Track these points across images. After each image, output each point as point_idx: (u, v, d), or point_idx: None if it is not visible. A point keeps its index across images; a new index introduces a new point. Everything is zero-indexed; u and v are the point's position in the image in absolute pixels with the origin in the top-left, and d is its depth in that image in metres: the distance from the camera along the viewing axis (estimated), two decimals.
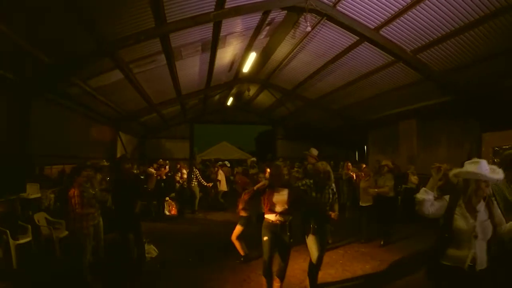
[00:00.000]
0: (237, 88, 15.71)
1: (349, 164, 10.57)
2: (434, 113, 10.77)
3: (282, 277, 4.43)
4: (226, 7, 6.93)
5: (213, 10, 6.90)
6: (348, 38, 8.50)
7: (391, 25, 7.29)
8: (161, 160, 11.97)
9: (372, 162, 12.28)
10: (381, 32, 7.64)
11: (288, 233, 4.29)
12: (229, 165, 13.17)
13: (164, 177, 10.40)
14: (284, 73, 12.47)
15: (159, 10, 6.19)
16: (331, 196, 4.57)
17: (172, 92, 12.10)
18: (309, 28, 7.34)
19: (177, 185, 9.97)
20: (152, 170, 10.01)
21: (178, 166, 10.61)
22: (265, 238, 4.25)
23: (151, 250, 5.90)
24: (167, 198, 10.33)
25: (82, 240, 4.78)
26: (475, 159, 2.78)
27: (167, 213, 10.09)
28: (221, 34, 8.29)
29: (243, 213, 5.89)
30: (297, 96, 14.27)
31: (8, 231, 5.24)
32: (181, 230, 8.47)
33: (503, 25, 6.15)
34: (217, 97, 16.49)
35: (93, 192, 5.22)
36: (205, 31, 7.96)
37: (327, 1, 7.23)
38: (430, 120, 11.34)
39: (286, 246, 4.32)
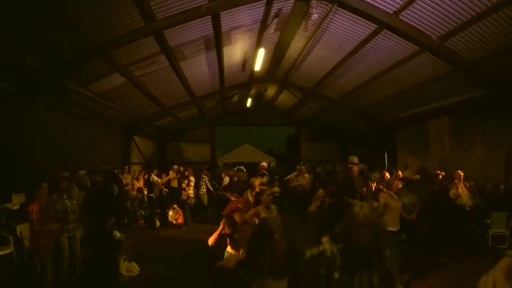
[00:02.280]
0: (256, 89, 15.08)
1: (387, 174, 8.67)
2: (467, 110, 9.53)
3: None
4: None
5: (206, 2, 6.31)
6: (365, 27, 7.53)
7: (411, 8, 6.27)
8: (175, 166, 11.54)
9: (402, 166, 11.15)
10: (401, 17, 6.65)
11: None
12: (245, 170, 12.47)
13: (174, 184, 9.96)
14: (302, 71, 11.62)
15: (145, 7, 5.70)
16: None
17: (185, 94, 11.68)
18: (315, 15, 6.54)
19: (183, 192, 9.43)
20: (156, 177, 9.62)
21: (186, 173, 10.00)
22: None
23: (132, 268, 5.33)
24: (175, 206, 9.84)
25: (42, 258, 4.41)
26: None
27: (173, 221, 9.58)
28: (223, 30, 7.67)
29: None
30: (317, 95, 13.37)
31: None
32: (178, 244, 7.85)
33: None
34: (236, 98, 15.94)
35: (69, 204, 4.90)
36: (204, 27, 7.38)
37: None
38: (462, 118, 10.06)
39: None
